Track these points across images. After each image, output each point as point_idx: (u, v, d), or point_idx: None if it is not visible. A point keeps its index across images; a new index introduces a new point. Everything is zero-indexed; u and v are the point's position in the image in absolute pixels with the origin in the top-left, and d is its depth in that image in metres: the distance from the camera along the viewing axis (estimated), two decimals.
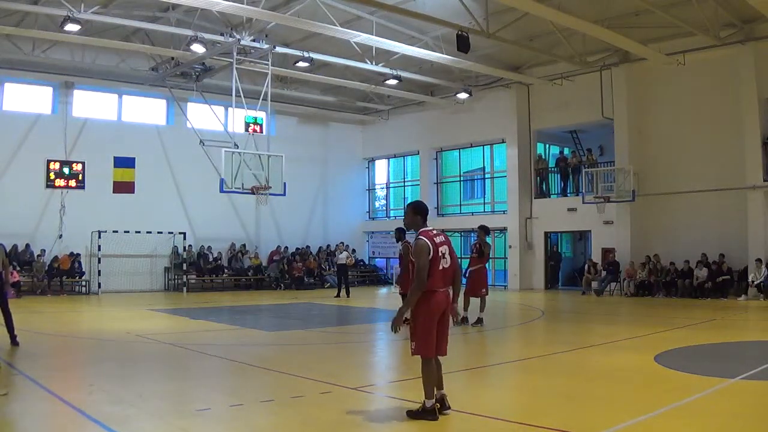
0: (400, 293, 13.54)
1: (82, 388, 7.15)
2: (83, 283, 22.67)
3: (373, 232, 30.82)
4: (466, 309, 12.65)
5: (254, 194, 19.33)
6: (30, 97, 22.92)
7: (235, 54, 19.31)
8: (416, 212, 6.17)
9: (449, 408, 5.99)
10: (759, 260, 18.18)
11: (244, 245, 26.41)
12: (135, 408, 6.39)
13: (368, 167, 31.64)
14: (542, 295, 22.29)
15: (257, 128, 20.62)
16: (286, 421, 5.99)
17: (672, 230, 20.64)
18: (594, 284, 21.55)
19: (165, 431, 5.75)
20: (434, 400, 5.85)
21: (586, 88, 22.23)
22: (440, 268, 5.87)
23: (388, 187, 31.50)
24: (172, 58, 21.32)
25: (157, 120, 25.47)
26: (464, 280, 14.31)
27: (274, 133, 24.64)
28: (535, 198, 24.83)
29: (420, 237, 5.92)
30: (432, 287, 5.84)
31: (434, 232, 6.02)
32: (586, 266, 22.21)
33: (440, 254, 5.86)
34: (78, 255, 22.50)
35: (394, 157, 30.67)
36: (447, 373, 7.98)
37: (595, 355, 9.58)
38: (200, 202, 24.96)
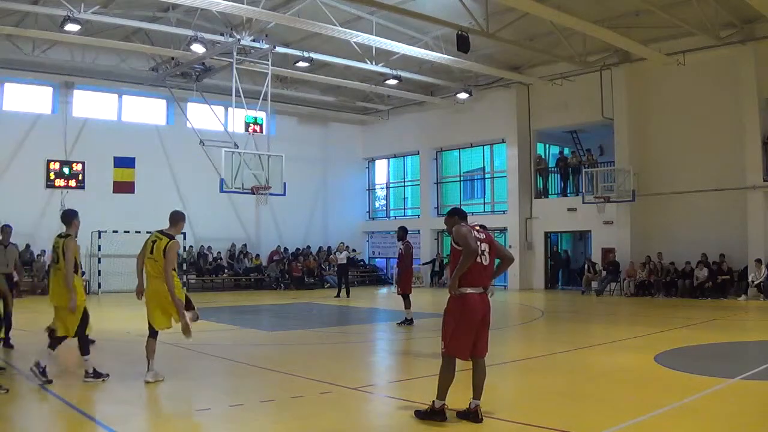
0: (398, 293, 13.54)
1: (82, 388, 7.15)
2: (83, 283, 22.62)
3: (373, 232, 30.82)
4: None
5: (254, 194, 19.34)
6: (30, 97, 22.92)
7: (235, 54, 19.31)
8: (452, 215, 6.05)
9: (481, 420, 5.61)
10: (759, 260, 18.17)
11: (245, 245, 26.41)
12: (135, 408, 6.39)
13: (368, 167, 31.64)
14: (542, 295, 22.29)
15: (257, 128, 20.61)
16: (286, 421, 5.99)
17: (672, 230, 20.63)
18: (594, 284, 21.55)
19: (165, 431, 5.75)
20: (444, 401, 5.69)
21: (586, 88, 22.22)
22: (476, 261, 5.68)
23: (388, 187, 31.49)
24: (172, 58, 21.31)
25: (157, 120, 25.47)
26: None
27: (274, 133, 24.64)
28: (535, 198, 24.83)
29: (461, 225, 5.79)
30: (467, 285, 5.67)
31: (476, 227, 5.89)
32: (586, 266, 22.20)
33: (481, 249, 5.70)
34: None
35: (394, 157, 30.67)
36: None
37: (595, 355, 9.58)
38: (200, 202, 24.94)
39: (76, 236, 7.70)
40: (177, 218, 7.75)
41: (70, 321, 7.32)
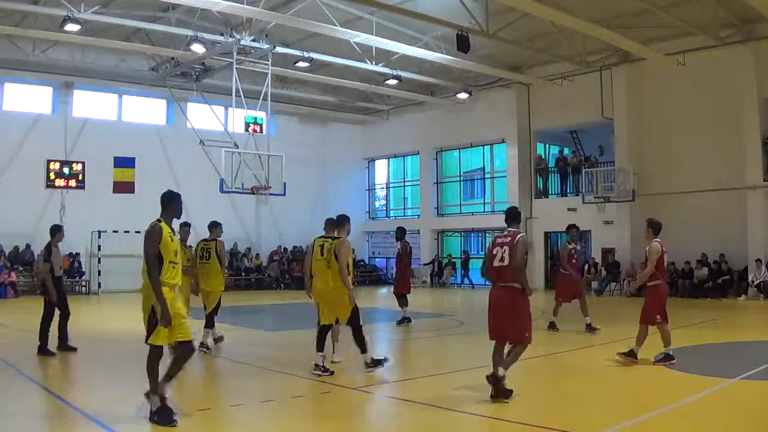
0: (394, 293, 13.58)
1: (82, 388, 7.15)
2: (83, 283, 22.66)
3: (373, 232, 30.81)
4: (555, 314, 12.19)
5: (254, 194, 19.32)
6: (30, 97, 22.93)
7: (235, 54, 19.28)
8: (506, 216, 6.99)
9: (490, 382, 6.43)
10: (759, 260, 18.17)
11: (249, 249, 26.40)
12: (135, 408, 6.39)
13: (368, 167, 31.63)
14: (542, 295, 22.25)
15: (257, 128, 20.59)
16: (286, 421, 5.99)
17: (672, 230, 20.48)
18: (594, 284, 21.54)
19: (165, 431, 5.75)
20: (496, 371, 6.45)
21: (586, 88, 22.21)
22: (493, 264, 6.65)
23: (388, 187, 31.49)
24: (172, 58, 21.30)
25: (157, 120, 25.47)
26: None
27: (274, 133, 24.62)
28: (535, 198, 24.82)
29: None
30: (490, 281, 6.81)
31: (505, 233, 6.77)
32: (586, 266, 22.19)
33: (493, 253, 6.69)
34: (78, 255, 22.49)
35: (394, 157, 30.67)
36: (447, 373, 8.01)
37: (595, 355, 9.57)
38: (200, 202, 24.85)
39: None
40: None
41: (344, 311, 8.00)
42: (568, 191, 24.28)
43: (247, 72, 21.16)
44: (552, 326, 11.95)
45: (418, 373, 8.44)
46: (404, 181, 30.65)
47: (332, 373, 7.77)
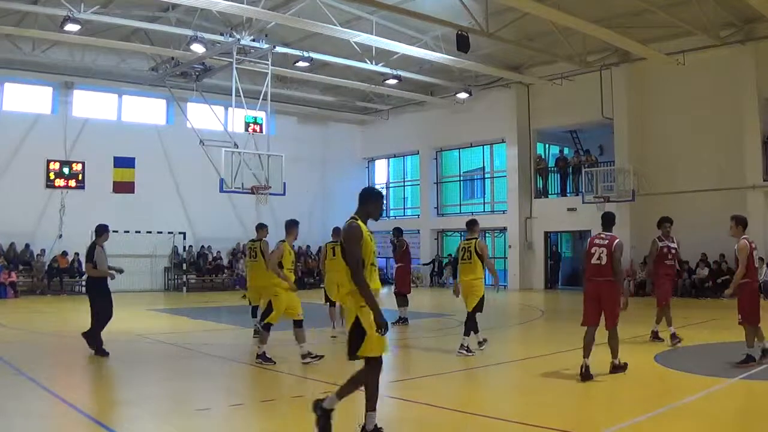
0: (394, 292, 13.63)
1: (82, 388, 7.15)
2: (83, 283, 22.63)
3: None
4: (657, 321, 10.96)
5: (254, 194, 19.33)
6: (30, 97, 22.94)
7: (235, 54, 19.27)
8: (602, 220, 8.02)
9: (611, 371, 7.48)
10: (761, 259, 18.16)
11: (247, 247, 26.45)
12: (135, 408, 6.39)
13: (368, 167, 31.63)
14: (542, 295, 22.28)
15: (257, 128, 20.60)
16: (286, 421, 5.99)
17: (672, 230, 20.57)
18: None
19: (165, 431, 5.75)
20: (586, 359, 7.41)
21: (586, 88, 22.20)
22: (591, 262, 7.62)
23: (388, 187, 31.46)
24: (172, 58, 21.28)
25: (157, 120, 25.47)
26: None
27: (274, 133, 24.59)
28: (535, 198, 24.81)
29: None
30: (586, 275, 7.76)
31: (602, 235, 7.75)
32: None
33: (591, 252, 7.67)
34: (78, 255, 22.47)
35: (394, 157, 30.67)
36: (446, 373, 8.02)
37: (595, 355, 9.54)
38: (200, 202, 24.93)
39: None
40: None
41: (473, 300, 9.35)
42: (568, 191, 24.28)
43: (247, 72, 21.16)
44: (655, 336, 10.63)
45: (418, 373, 8.44)
46: (404, 181, 30.64)
47: (474, 353, 9.15)
